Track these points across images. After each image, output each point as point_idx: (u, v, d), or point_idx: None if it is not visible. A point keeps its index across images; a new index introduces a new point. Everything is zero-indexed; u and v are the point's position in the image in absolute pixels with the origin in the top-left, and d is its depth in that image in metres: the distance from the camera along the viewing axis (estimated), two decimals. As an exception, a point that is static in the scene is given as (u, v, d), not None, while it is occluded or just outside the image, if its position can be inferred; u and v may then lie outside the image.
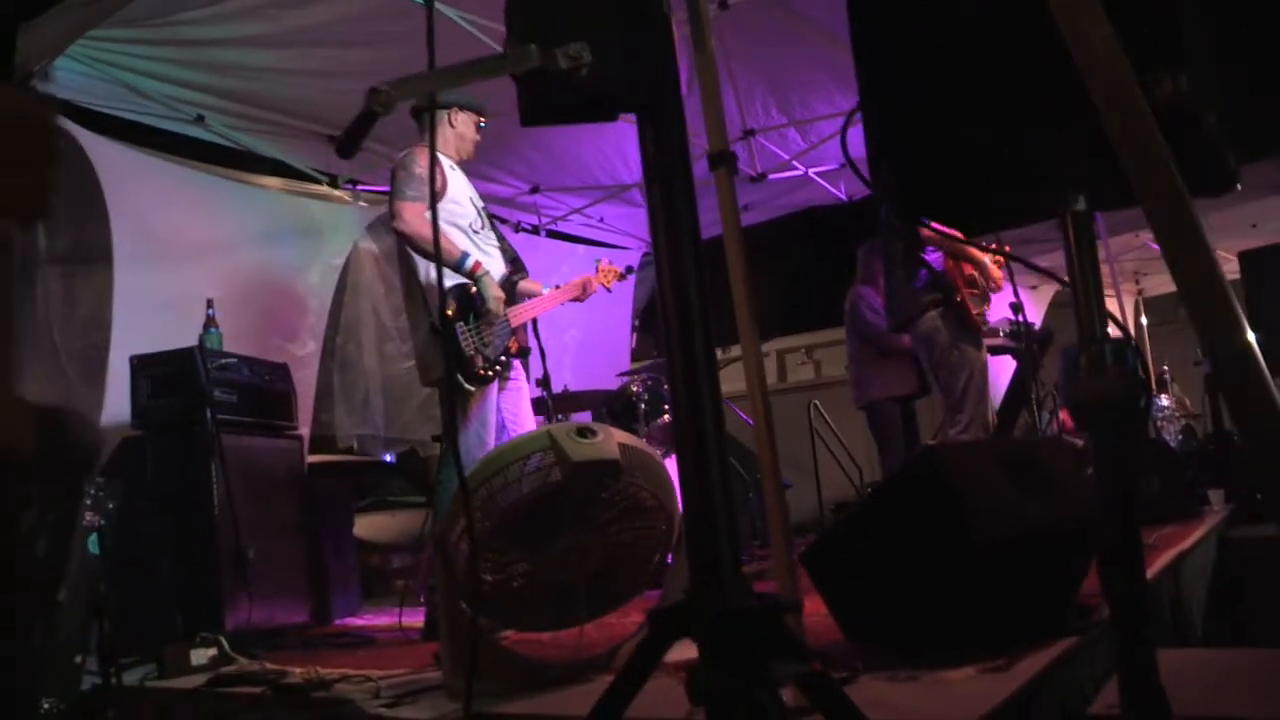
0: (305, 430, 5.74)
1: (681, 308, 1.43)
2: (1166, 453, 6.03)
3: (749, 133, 6.65)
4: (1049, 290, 11.87)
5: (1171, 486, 5.63)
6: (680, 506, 3.03)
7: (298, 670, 3.18)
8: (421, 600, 4.75)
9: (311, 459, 5.93)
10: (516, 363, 4.29)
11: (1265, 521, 5.87)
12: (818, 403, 7.69)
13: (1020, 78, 1.44)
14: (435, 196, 3.97)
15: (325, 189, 6.52)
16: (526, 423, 4.27)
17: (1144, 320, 13.58)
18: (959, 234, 4.67)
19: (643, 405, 5.58)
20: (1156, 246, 8.83)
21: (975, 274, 4.98)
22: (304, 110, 5.73)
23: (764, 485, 2.31)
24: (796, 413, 7.91)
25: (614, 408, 5.75)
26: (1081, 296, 1.50)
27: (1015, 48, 1.44)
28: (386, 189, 6.06)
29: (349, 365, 6.57)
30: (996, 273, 5.05)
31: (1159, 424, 10.19)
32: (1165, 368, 11.58)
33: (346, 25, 4.91)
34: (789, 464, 9.07)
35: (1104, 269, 8.67)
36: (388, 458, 8.07)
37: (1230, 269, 8.80)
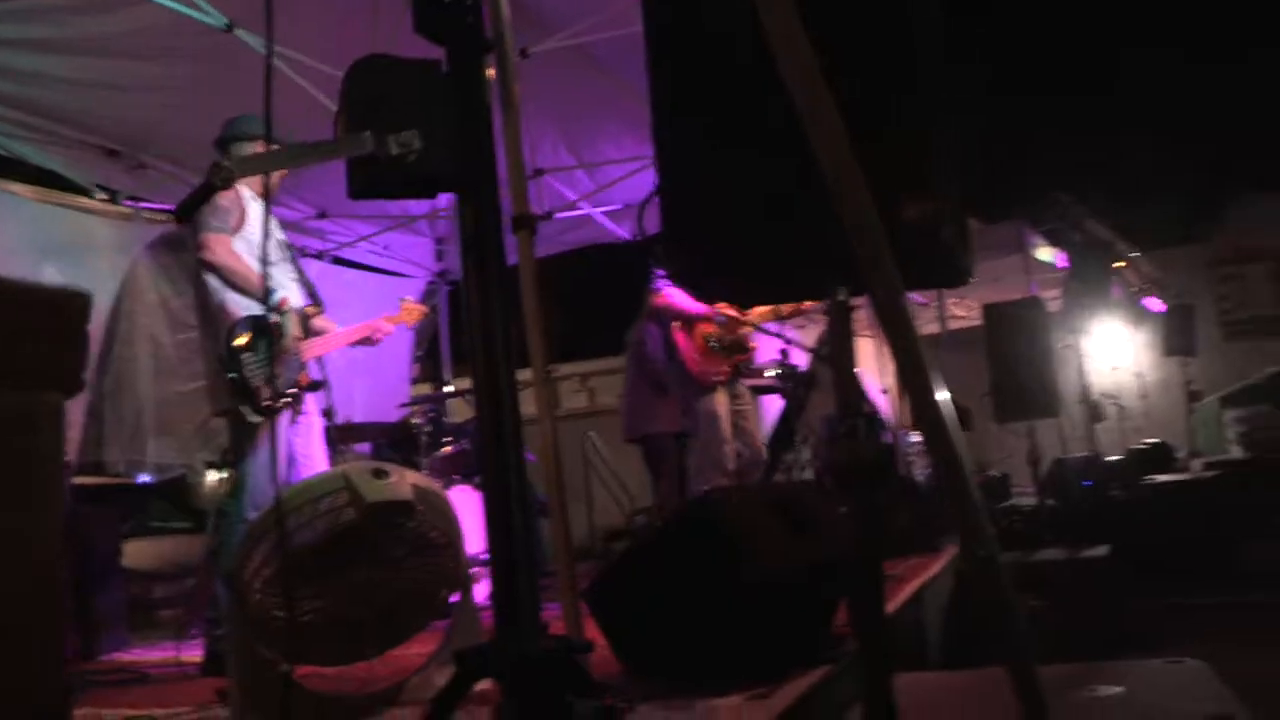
0: (71, 452, 5.50)
1: (492, 390, 1.58)
2: (913, 489, 6.55)
3: (538, 172, 6.83)
4: (816, 329, 12.51)
5: (918, 520, 6.14)
6: (466, 544, 3.16)
7: (77, 713, 3.11)
8: (196, 633, 4.63)
9: (78, 481, 5.68)
10: (310, 396, 4.29)
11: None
12: (593, 434, 7.92)
13: (799, 179, 1.64)
14: (267, 231, 4.02)
15: (100, 204, 6.27)
16: (318, 457, 4.27)
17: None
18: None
19: (424, 437, 5.63)
20: (919, 298, 9.53)
21: (714, 330, 5.22)
22: (86, 121, 5.53)
23: (554, 529, 2.46)
24: (570, 440, 8.12)
25: (395, 439, 5.78)
26: (839, 375, 1.73)
27: (799, 152, 1.63)
28: (168, 206, 5.91)
29: (122, 385, 6.31)
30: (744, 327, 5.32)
31: (910, 459, 10.97)
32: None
33: (139, 37, 4.78)
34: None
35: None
36: (143, 479, 7.75)
37: (976, 317, 9.60)
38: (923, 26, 1.53)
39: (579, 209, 7.47)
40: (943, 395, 1.51)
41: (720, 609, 2.64)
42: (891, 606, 3.82)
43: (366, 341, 4.60)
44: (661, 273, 5.19)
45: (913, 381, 1.52)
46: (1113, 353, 13.74)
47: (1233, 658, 5.40)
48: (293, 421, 4.20)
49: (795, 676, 2.59)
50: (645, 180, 6.55)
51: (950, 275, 1.78)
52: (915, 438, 11.38)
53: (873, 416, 1.71)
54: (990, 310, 7.19)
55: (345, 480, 2.77)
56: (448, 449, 5.73)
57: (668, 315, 5.18)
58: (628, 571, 2.94)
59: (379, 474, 2.81)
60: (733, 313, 5.20)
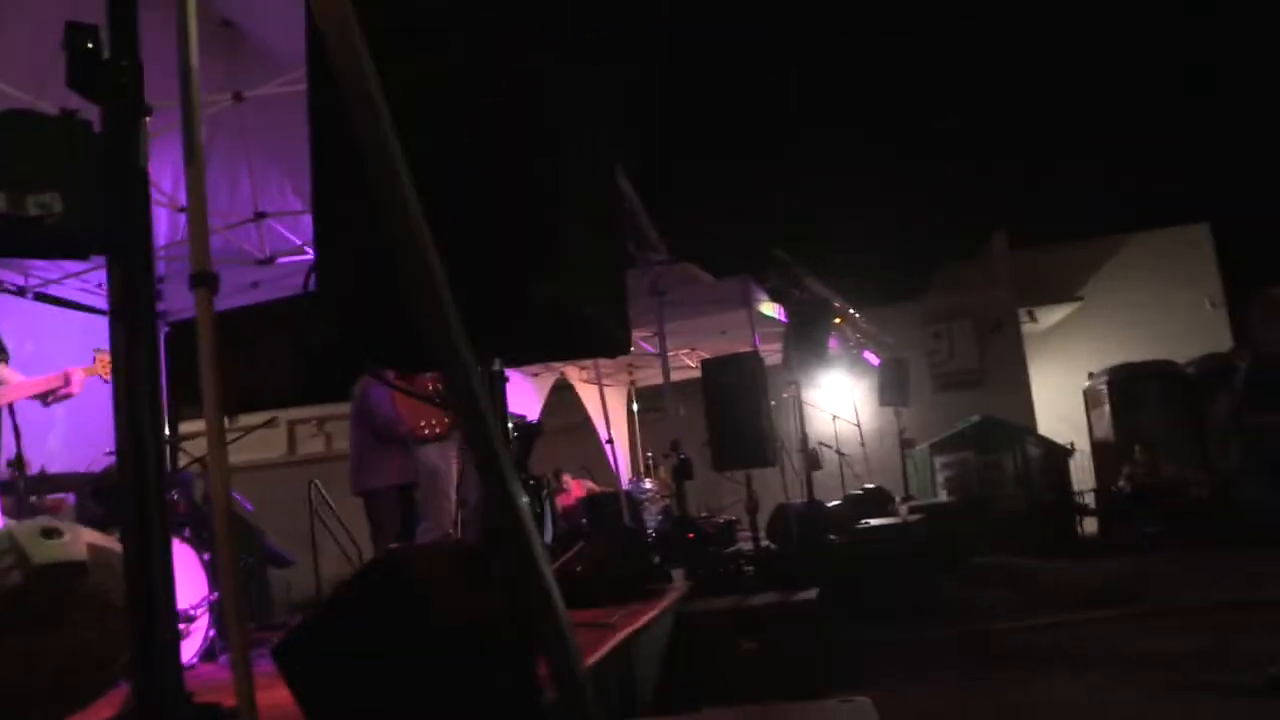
0: None
1: (137, 452, 1.55)
2: (634, 537, 6.73)
3: (260, 215, 6.66)
4: (549, 377, 12.67)
5: (638, 567, 6.31)
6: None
7: None
8: None
9: None
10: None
11: (712, 596, 6.72)
12: (318, 482, 7.73)
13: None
14: None
15: None
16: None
17: (635, 407, 14.93)
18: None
19: (131, 488, 5.34)
20: (648, 347, 9.81)
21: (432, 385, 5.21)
22: None
23: (223, 591, 2.40)
24: (301, 487, 7.90)
25: (99, 488, 5.47)
26: (486, 447, 1.79)
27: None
28: None
29: None
30: None
31: (643, 505, 11.23)
32: (649, 454, 12.79)
33: None
34: (294, 539, 8.92)
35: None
36: None
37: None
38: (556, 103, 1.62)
39: (305, 253, 7.31)
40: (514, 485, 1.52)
41: (411, 665, 2.64)
42: (594, 657, 3.90)
43: (53, 395, 4.35)
44: None
45: (483, 460, 1.54)
46: (836, 403, 14.56)
47: (912, 691, 5.87)
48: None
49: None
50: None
51: (607, 346, 1.88)
52: (649, 485, 11.73)
53: (534, 485, 1.79)
54: (707, 365, 7.50)
55: (10, 540, 2.62)
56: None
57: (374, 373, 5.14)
58: (316, 629, 2.89)
59: (49, 533, 2.67)
60: None
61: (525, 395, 12.96)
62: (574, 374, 13.78)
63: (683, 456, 7.66)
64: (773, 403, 10.83)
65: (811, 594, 6.46)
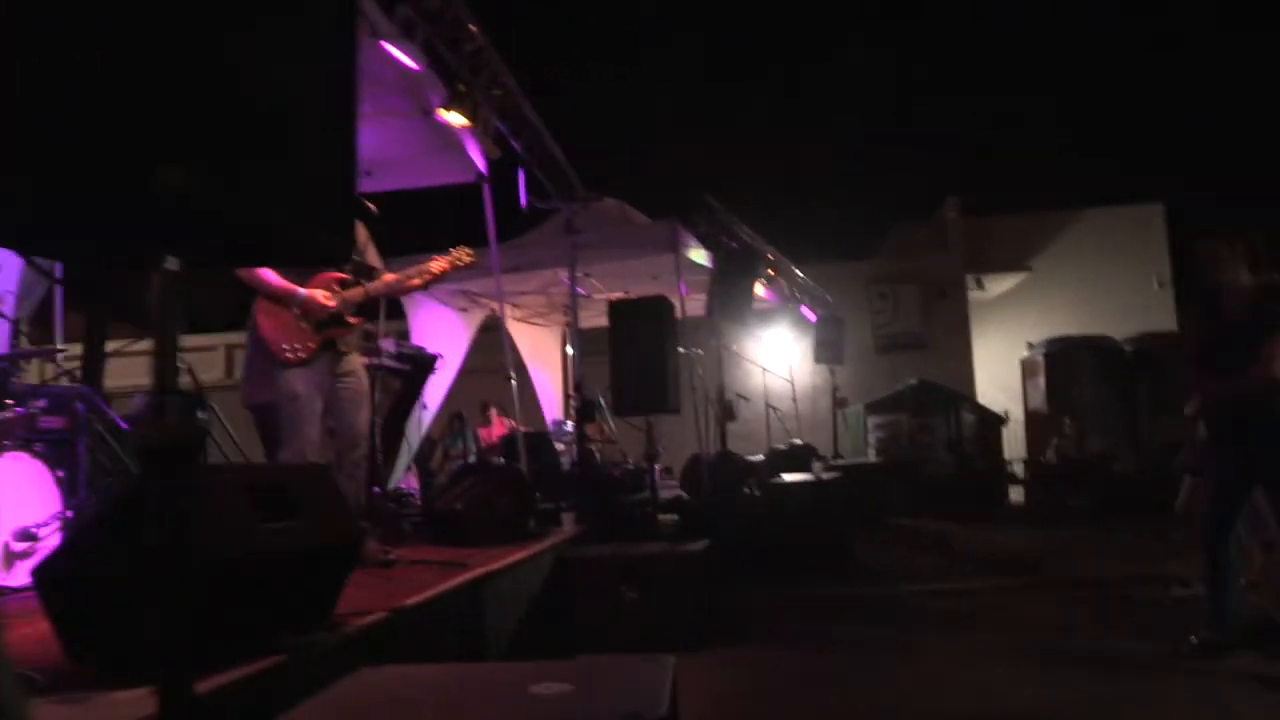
0: None
1: None
2: (518, 478, 6.54)
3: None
4: (478, 314, 12.43)
5: (519, 510, 6.14)
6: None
7: None
8: None
9: None
10: None
11: (602, 544, 6.58)
12: (215, 405, 7.48)
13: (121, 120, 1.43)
14: None
15: None
16: None
17: (569, 349, 14.74)
18: None
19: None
20: (580, 289, 9.58)
21: (310, 302, 4.90)
22: None
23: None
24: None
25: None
26: (159, 349, 1.58)
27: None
28: None
29: None
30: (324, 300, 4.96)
31: (565, 447, 11.07)
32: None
33: None
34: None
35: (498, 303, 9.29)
36: None
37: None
38: None
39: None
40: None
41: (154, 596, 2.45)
42: (425, 593, 3.73)
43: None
44: None
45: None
46: (772, 358, 14.44)
47: (784, 648, 5.77)
48: None
49: (232, 667, 2.43)
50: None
51: (310, 254, 1.67)
52: (569, 427, 11.55)
53: (188, 394, 1.58)
54: (614, 306, 7.28)
55: None
56: (7, 414, 5.18)
57: (252, 285, 4.89)
58: (74, 552, 2.68)
59: None
60: (336, 286, 4.95)
61: (453, 330, 12.72)
62: (506, 312, 13.55)
63: (586, 399, 7.46)
64: (699, 352, 10.71)
65: (700, 545, 6.32)
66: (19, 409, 5.33)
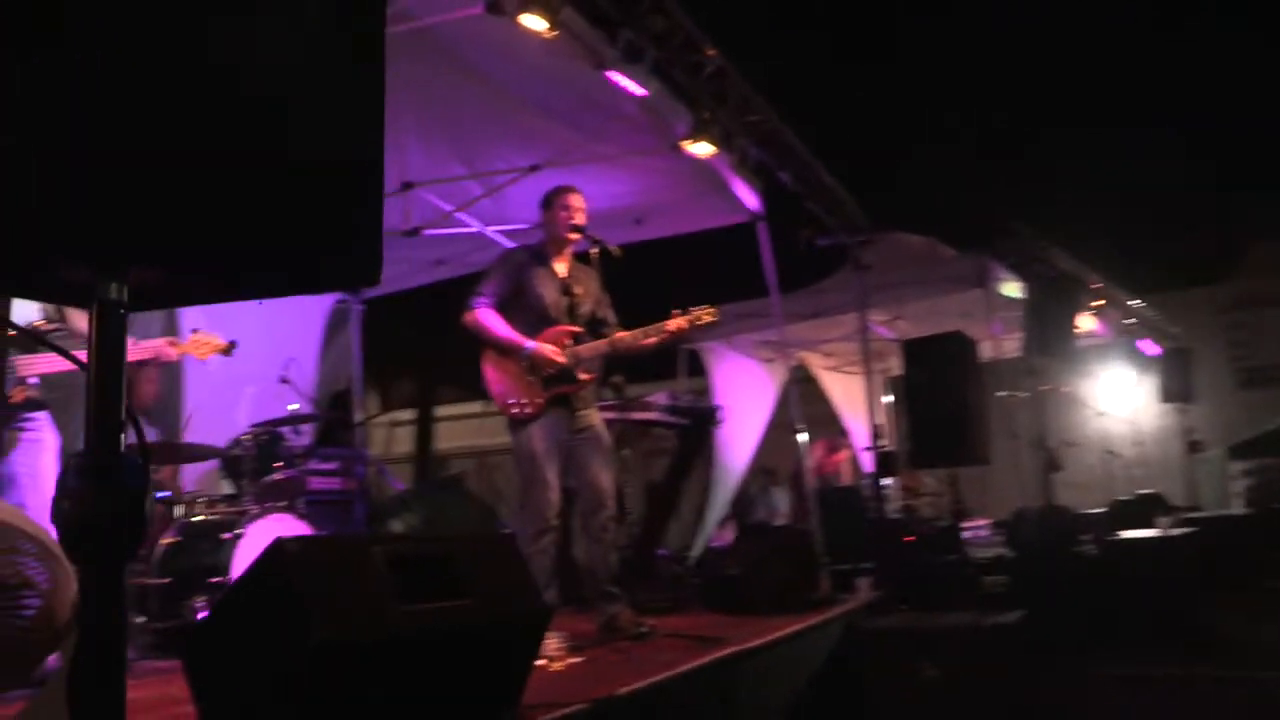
0: None
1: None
2: (802, 539, 5.95)
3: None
4: (784, 365, 11.92)
5: (803, 575, 5.56)
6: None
7: None
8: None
9: None
10: (39, 415, 3.85)
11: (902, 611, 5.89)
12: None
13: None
14: None
15: None
16: (45, 478, 3.82)
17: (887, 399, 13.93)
18: None
19: (250, 461, 5.19)
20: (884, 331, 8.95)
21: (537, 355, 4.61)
22: None
23: None
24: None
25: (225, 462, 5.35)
26: (99, 397, 1.21)
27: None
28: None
29: None
30: None
31: (876, 502, 10.29)
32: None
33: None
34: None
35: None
36: None
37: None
38: None
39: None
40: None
41: (292, 674, 2.13)
42: (644, 681, 3.24)
43: (148, 365, 4.17)
44: (480, 290, 4.67)
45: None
46: (1111, 399, 13.03)
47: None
48: (14, 440, 3.77)
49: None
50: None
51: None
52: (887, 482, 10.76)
53: (131, 454, 1.20)
54: (908, 346, 6.59)
55: None
56: (277, 476, 5.25)
57: (478, 336, 4.64)
58: (216, 626, 2.43)
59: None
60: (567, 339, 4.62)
61: (759, 383, 12.31)
62: (815, 361, 13.02)
63: (883, 449, 6.79)
64: (1022, 394, 9.69)
65: (1013, 616, 5.51)
66: (289, 470, 5.42)
